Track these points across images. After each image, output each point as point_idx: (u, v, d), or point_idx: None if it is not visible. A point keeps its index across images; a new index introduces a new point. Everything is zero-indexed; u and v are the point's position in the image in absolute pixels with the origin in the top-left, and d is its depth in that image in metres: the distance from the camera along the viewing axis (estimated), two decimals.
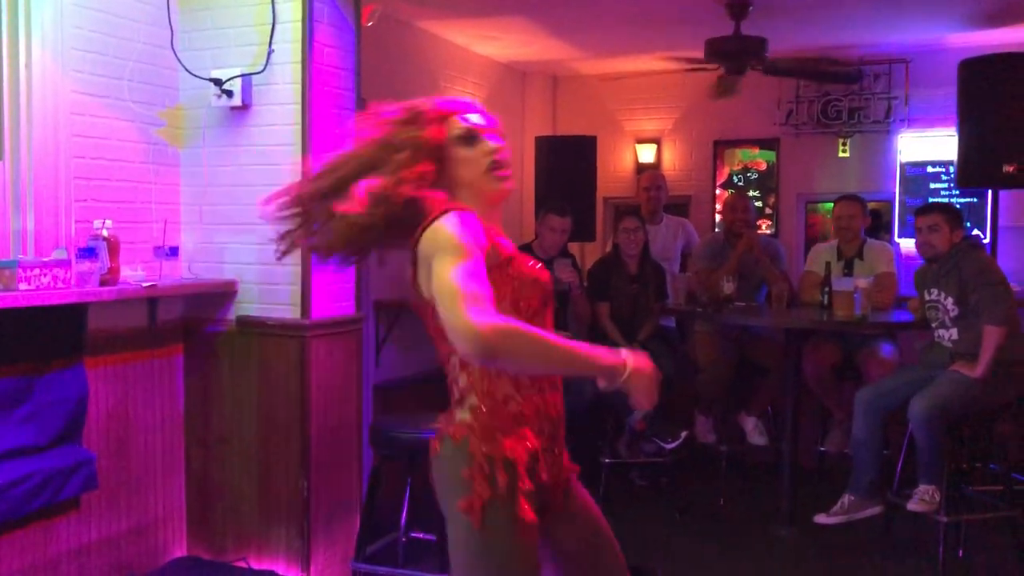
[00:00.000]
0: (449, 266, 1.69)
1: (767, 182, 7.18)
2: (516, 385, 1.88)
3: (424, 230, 1.81)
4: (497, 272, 1.84)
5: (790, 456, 4.73)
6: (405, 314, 5.79)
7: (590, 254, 6.85)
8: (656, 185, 6.17)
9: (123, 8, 3.57)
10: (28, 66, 3.21)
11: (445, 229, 1.76)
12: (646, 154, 7.54)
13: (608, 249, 5.79)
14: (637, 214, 5.61)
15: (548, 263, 4.99)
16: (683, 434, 4.95)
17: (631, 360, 1.78)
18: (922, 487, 4.14)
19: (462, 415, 1.90)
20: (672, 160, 7.52)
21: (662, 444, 4.97)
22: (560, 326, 4.95)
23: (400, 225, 1.85)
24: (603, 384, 1.79)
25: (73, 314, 3.22)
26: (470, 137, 1.97)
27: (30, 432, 3.14)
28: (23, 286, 2.89)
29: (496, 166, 1.95)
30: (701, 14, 5.34)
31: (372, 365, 4.90)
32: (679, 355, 5.48)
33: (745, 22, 5.27)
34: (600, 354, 1.75)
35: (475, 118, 2.00)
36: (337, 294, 3.80)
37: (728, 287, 5.11)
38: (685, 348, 5.68)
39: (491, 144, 1.96)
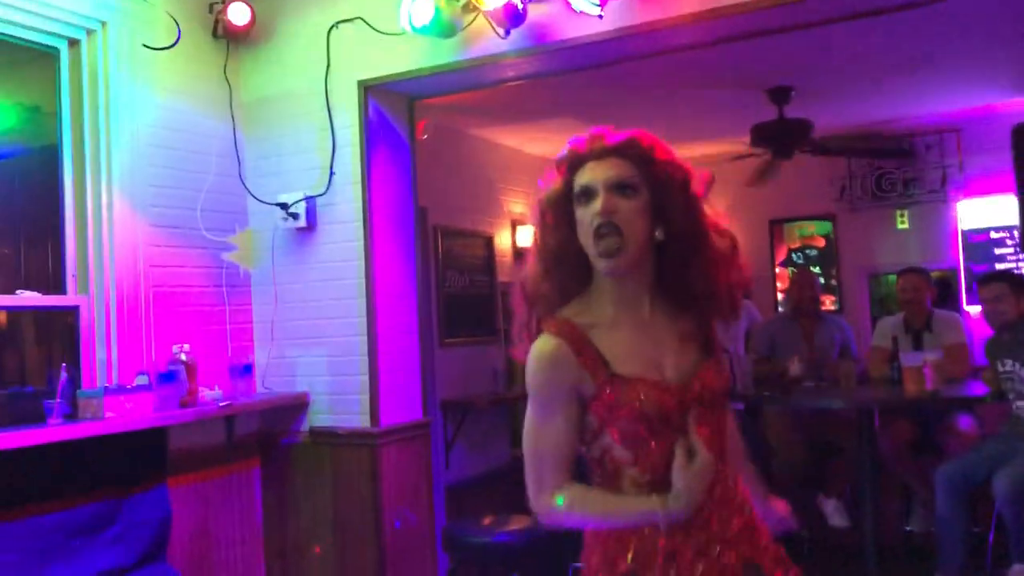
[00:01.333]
0: (528, 418, 1.65)
1: (827, 257, 7.16)
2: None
3: None
4: (595, 403, 1.61)
5: (873, 537, 4.60)
6: (472, 413, 5.87)
7: None
8: None
9: (194, 144, 3.82)
10: (109, 206, 3.45)
11: (529, 366, 1.63)
12: None
13: None
14: None
15: None
16: None
17: (659, 502, 1.57)
18: (1016, 567, 3.98)
19: None
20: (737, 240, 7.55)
21: None
22: None
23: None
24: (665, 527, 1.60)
25: (155, 437, 3.37)
26: (584, 192, 1.62)
27: (118, 553, 3.26)
28: (109, 414, 3.05)
29: (599, 235, 1.58)
30: (745, 102, 5.45)
31: (442, 467, 4.95)
32: (749, 439, 5.40)
33: (789, 106, 5.36)
34: (638, 506, 1.59)
35: (595, 164, 1.63)
36: (405, 399, 3.89)
37: (795, 368, 5.06)
38: (756, 431, 5.60)
39: (598, 204, 1.58)
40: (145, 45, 3.61)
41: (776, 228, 7.34)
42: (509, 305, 1.78)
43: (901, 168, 6.79)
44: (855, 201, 6.94)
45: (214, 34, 3.92)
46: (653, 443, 1.59)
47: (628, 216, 1.59)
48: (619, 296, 1.65)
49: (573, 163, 1.65)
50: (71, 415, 3.08)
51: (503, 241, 6.89)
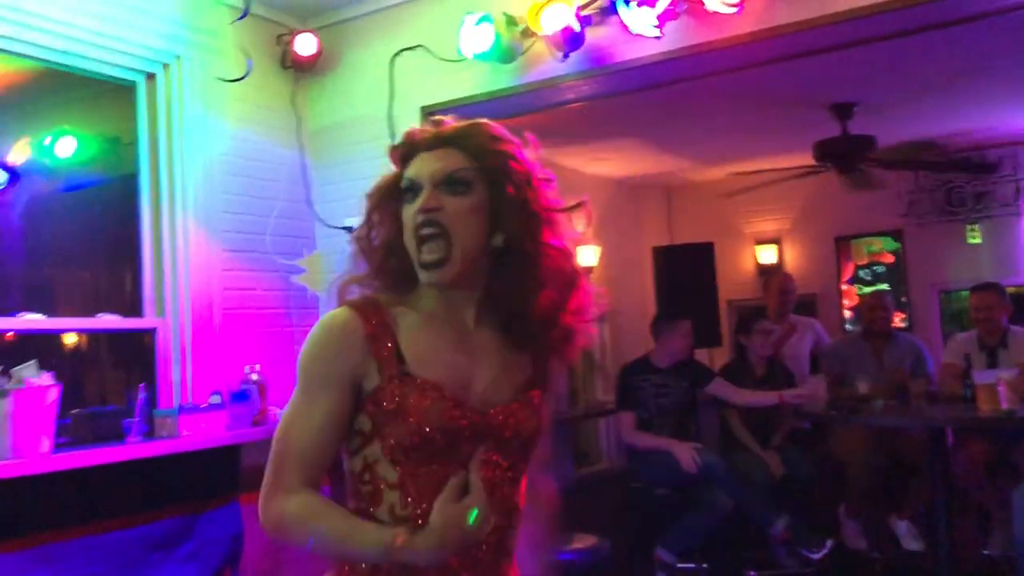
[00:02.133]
0: (291, 399, 1.38)
1: (896, 274, 7.02)
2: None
3: None
4: (373, 402, 1.36)
5: (948, 561, 4.48)
6: None
7: (718, 360, 6.81)
8: (789, 289, 6.11)
9: (264, 171, 3.95)
10: (184, 231, 3.59)
11: (307, 338, 1.38)
12: (767, 255, 7.52)
13: (733, 352, 5.75)
14: (766, 315, 5.57)
15: (676, 371, 5.01)
16: (829, 543, 4.76)
17: (402, 536, 1.26)
18: None
19: None
20: (794, 259, 7.47)
21: (808, 555, 4.79)
22: (690, 436, 4.92)
23: None
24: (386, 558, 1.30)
25: (228, 455, 3.47)
26: (410, 187, 1.39)
27: (193, 569, 3.35)
28: (184, 432, 3.16)
29: (420, 239, 1.35)
30: (808, 119, 5.41)
31: None
32: (818, 458, 5.32)
33: (852, 121, 5.31)
34: (377, 537, 1.30)
35: (425, 153, 1.40)
36: None
37: (864, 386, 4.98)
38: (825, 449, 5.51)
39: (423, 202, 1.35)
40: (219, 78, 3.76)
41: (842, 245, 7.23)
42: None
43: (972, 182, 6.64)
44: (923, 216, 6.81)
45: (282, 65, 4.06)
46: (424, 468, 1.33)
47: (455, 216, 1.34)
48: (442, 304, 1.40)
49: (405, 153, 1.42)
50: (148, 433, 3.20)
51: None
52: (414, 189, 1.37)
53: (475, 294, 1.40)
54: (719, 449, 5.08)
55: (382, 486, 1.35)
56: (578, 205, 1.48)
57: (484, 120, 1.45)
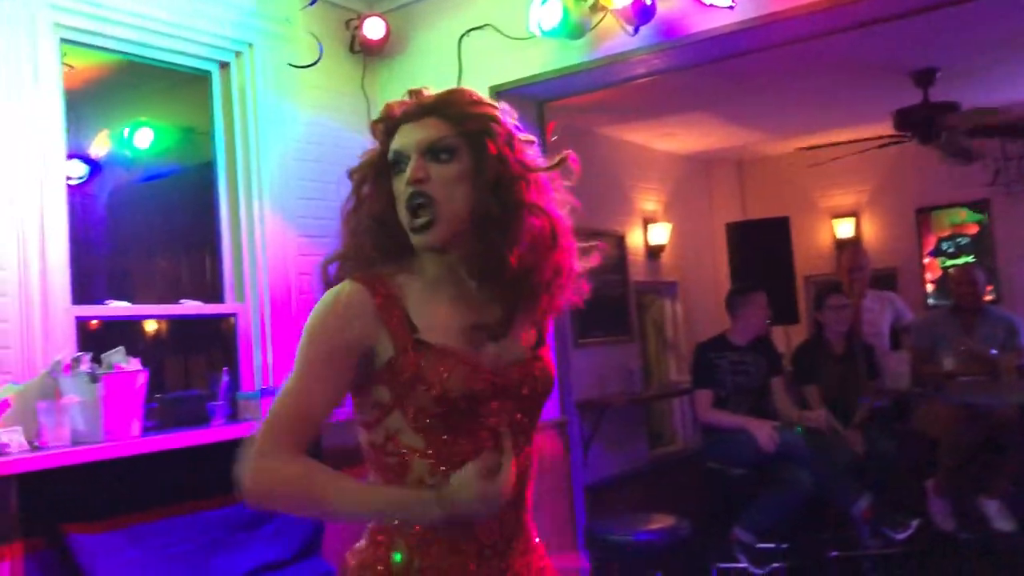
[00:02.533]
0: (292, 371, 1.39)
1: (981, 246, 6.77)
2: None
3: None
4: (389, 372, 1.36)
5: None
6: (608, 412, 5.87)
7: (795, 336, 6.68)
8: (859, 265, 5.95)
9: (336, 156, 3.98)
10: (261, 218, 3.65)
11: (312, 312, 1.39)
12: (844, 229, 7.33)
13: (811, 330, 5.63)
14: (841, 290, 5.43)
15: (753, 348, 4.92)
16: (914, 523, 4.63)
17: (448, 494, 1.28)
18: None
19: None
20: (873, 232, 7.27)
21: (892, 535, 4.67)
22: (768, 414, 4.83)
23: None
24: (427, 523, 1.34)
25: None
26: (395, 158, 1.41)
27: (277, 548, 3.42)
28: None
29: (411, 208, 1.37)
30: (887, 86, 5.24)
31: (580, 467, 4.97)
32: (901, 435, 5.18)
33: (934, 88, 5.12)
34: (401, 499, 1.34)
35: (410, 123, 1.41)
36: None
37: (949, 363, 4.83)
38: (907, 427, 5.37)
39: (409, 174, 1.37)
40: (290, 64, 3.79)
41: (923, 217, 7.00)
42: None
43: None
44: (1011, 185, 6.54)
45: (351, 49, 4.08)
46: (450, 433, 1.35)
47: (442, 183, 1.35)
48: (442, 268, 1.41)
49: (389, 127, 1.42)
50: (232, 416, 3.27)
51: (635, 240, 6.86)
52: (401, 161, 1.39)
53: (472, 256, 1.40)
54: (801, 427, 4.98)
55: (408, 456, 1.36)
56: (560, 162, 1.46)
57: (463, 87, 1.47)
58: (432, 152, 1.37)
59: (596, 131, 6.20)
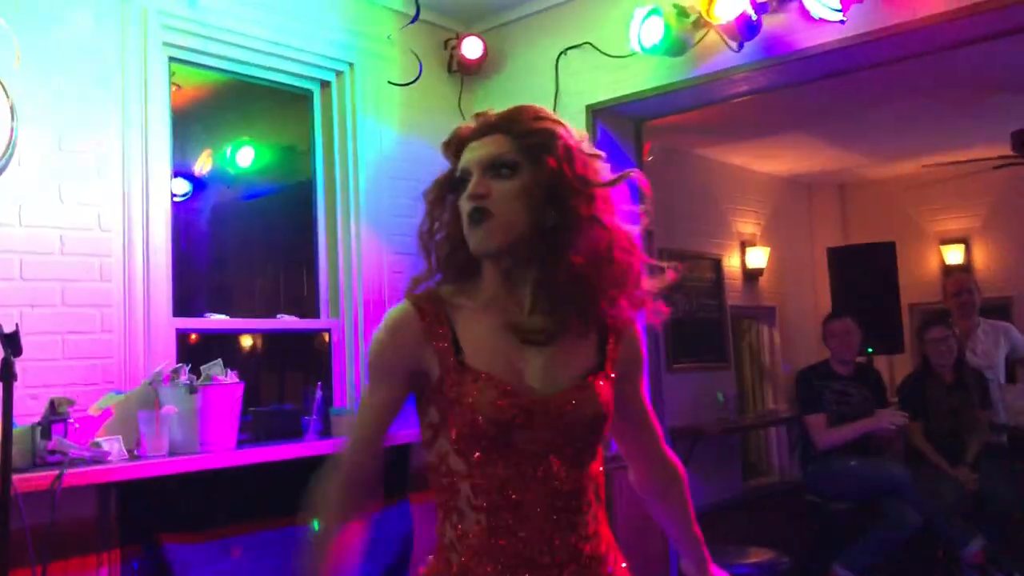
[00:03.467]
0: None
1: None
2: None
3: None
4: (437, 394, 1.39)
5: None
6: (702, 440, 5.71)
7: (899, 366, 6.39)
8: (966, 289, 5.67)
9: (432, 175, 3.98)
10: (357, 235, 3.67)
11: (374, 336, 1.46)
12: (953, 255, 7.01)
13: (916, 360, 5.37)
14: (945, 321, 5.17)
15: (857, 378, 4.72)
16: None
17: None
18: None
19: None
20: (985, 259, 6.92)
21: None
22: (871, 449, 4.62)
23: None
24: None
25: (399, 453, 3.51)
26: (461, 176, 1.43)
27: (364, 567, 3.41)
28: None
29: (471, 221, 1.39)
30: (1003, 105, 4.99)
31: None
32: (1019, 475, 4.87)
33: None
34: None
35: (476, 140, 1.44)
36: None
37: None
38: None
39: (472, 188, 1.39)
40: (390, 82, 3.82)
41: None
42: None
43: None
44: None
45: (448, 69, 4.09)
46: (485, 458, 1.34)
47: (502, 198, 1.37)
48: (499, 285, 1.42)
49: (458, 146, 1.45)
50: (325, 431, 3.28)
51: (732, 263, 6.69)
52: (466, 178, 1.40)
53: (530, 275, 1.40)
54: (908, 460, 4.75)
55: (455, 478, 1.38)
56: (621, 177, 1.46)
57: (530, 104, 1.48)
58: (493, 168, 1.39)
59: (694, 152, 6.09)
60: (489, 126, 1.43)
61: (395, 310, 1.43)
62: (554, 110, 3.84)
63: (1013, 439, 5.20)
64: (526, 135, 1.40)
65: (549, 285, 1.38)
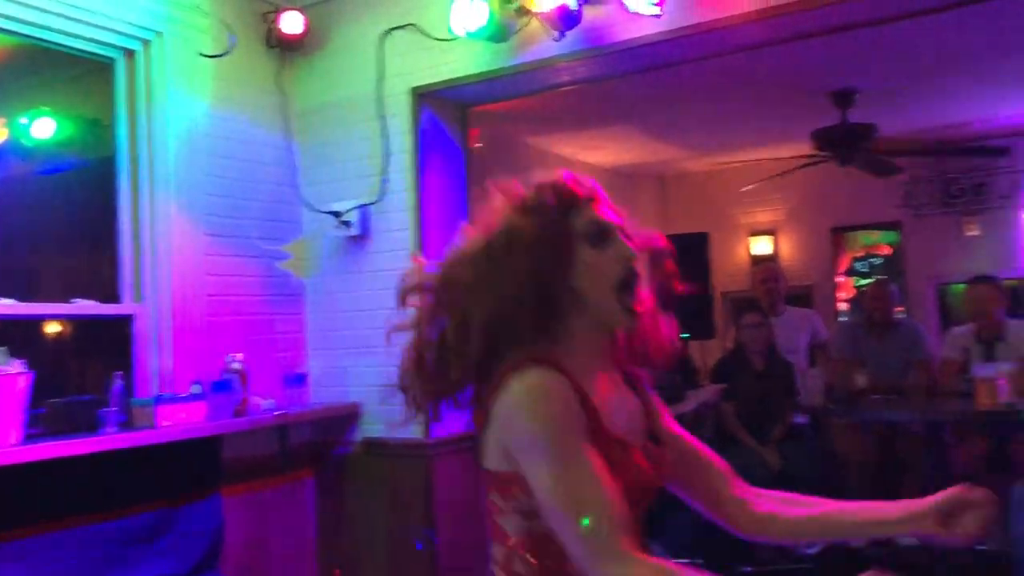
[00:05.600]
0: (552, 469, 1.26)
1: (893, 266, 6.94)
2: None
3: (498, 386, 1.33)
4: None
5: (942, 557, 4.40)
6: None
7: (710, 352, 6.72)
8: (772, 277, 6.03)
9: (248, 153, 3.82)
10: (165, 215, 3.46)
11: (530, 402, 1.29)
12: (761, 246, 7.43)
13: (729, 345, 5.66)
14: (758, 308, 5.48)
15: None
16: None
17: None
18: None
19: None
20: (790, 250, 7.38)
21: (804, 550, 4.70)
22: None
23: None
24: None
25: (209, 446, 3.35)
26: (602, 233, 1.40)
27: (172, 562, 3.24)
28: (164, 423, 3.04)
29: (628, 286, 1.37)
30: (807, 106, 5.31)
31: None
32: (816, 453, 5.23)
33: (852, 110, 5.20)
34: None
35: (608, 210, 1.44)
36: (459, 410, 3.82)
37: (861, 380, 4.89)
38: (822, 444, 5.43)
39: (629, 249, 1.38)
40: (201, 54, 3.62)
41: (838, 236, 7.15)
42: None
43: (969, 174, 6.56)
44: (921, 208, 6.72)
45: (267, 44, 3.92)
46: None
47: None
48: (592, 348, 1.40)
49: (570, 200, 1.42)
50: (126, 424, 3.08)
51: None
52: (606, 234, 1.39)
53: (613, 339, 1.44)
54: (715, 444, 4.98)
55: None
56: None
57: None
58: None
59: (522, 140, 6.14)
60: (597, 192, 1.45)
61: (545, 378, 1.29)
62: (379, 91, 3.80)
63: (814, 420, 5.57)
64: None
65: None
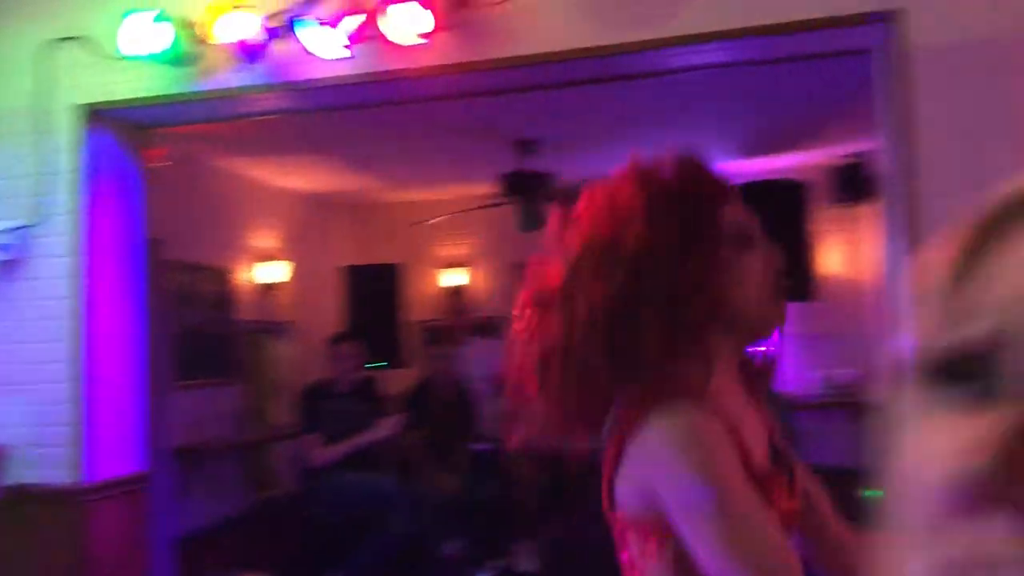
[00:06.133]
0: (725, 533, 1.07)
1: None
2: None
3: (634, 420, 1.14)
4: None
5: None
6: (209, 457, 5.55)
7: (404, 379, 6.83)
8: (459, 309, 6.28)
9: None
10: None
11: (686, 447, 1.10)
12: (454, 278, 7.69)
13: (420, 373, 5.79)
14: (448, 339, 5.67)
15: (356, 394, 4.94)
16: (500, 564, 4.91)
17: None
18: None
19: None
20: (482, 283, 7.70)
21: (478, 575, 4.91)
22: (368, 460, 4.85)
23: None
24: None
25: None
26: (750, 235, 1.23)
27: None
28: None
29: (783, 291, 1.24)
30: (492, 151, 5.59)
31: (172, 519, 4.62)
32: (502, 479, 5.45)
33: (535, 157, 5.56)
34: None
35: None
36: (122, 451, 3.58)
37: None
38: (502, 470, 5.69)
39: (777, 252, 1.25)
40: None
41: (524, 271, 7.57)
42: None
43: None
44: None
45: None
46: None
47: None
48: (729, 364, 1.22)
49: (717, 193, 1.24)
50: None
51: (246, 277, 6.61)
52: (749, 236, 1.23)
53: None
54: (398, 471, 5.08)
55: None
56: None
57: None
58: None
59: (211, 163, 5.90)
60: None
61: (698, 418, 1.10)
62: (35, 107, 3.48)
63: (496, 447, 5.83)
64: None
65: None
